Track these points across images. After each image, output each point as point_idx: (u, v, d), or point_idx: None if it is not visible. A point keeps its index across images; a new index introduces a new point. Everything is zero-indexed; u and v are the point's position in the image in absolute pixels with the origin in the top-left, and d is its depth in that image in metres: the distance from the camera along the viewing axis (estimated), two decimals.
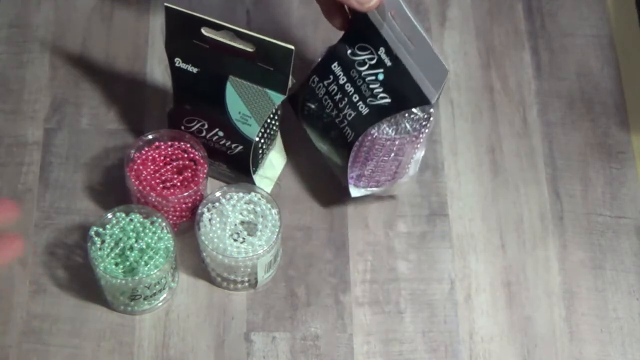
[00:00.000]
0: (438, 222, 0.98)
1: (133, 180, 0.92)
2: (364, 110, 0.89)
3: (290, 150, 1.00)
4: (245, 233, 0.91)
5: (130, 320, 0.92)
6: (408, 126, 0.90)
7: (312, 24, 1.06)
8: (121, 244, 0.89)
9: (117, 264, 0.89)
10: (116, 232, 0.90)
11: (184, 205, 0.93)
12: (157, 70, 1.04)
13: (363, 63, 0.90)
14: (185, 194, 0.92)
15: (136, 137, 0.98)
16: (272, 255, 0.92)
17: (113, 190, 0.98)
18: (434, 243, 0.97)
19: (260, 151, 0.95)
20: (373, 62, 0.89)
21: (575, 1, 1.10)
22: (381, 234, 0.97)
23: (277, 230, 0.91)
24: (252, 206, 0.92)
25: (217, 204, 0.92)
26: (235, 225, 0.92)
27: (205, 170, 0.93)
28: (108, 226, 0.90)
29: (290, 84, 0.88)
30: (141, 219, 0.90)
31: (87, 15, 1.07)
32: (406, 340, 0.93)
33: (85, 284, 0.93)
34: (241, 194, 0.93)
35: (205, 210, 0.92)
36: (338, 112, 0.91)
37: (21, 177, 0.98)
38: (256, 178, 0.97)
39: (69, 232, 0.96)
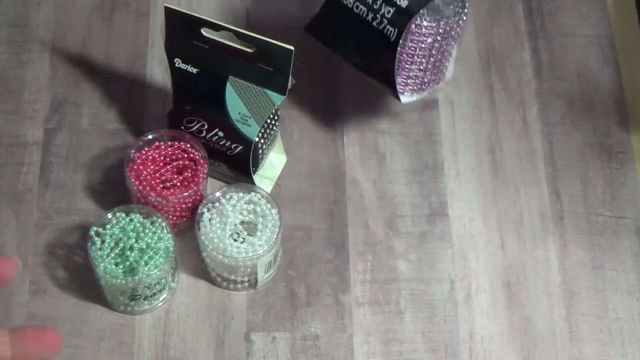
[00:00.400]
0: (438, 222, 0.98)
1: (133, 180, 0.92)
2: (403, 2, 0.88)
3: (290, 150, 1.00)
4: (245, 233, 0.91)
5: (130, 320, 0.92)
6: (449, 10, 0.89)
7: None
8: (121, 244, 0.89)
9: (117, 264, 0.89)
10: (116, 232, 0.90)
11: (184, 205, 0.93)
12: (157, 70, 1.04)
13: None
14: (185, 194, 0.92)
15: (136, 137, 0.98)
16: (272, 255, 0.92)
17: (113, 190, 0.98)
18: (434, 243, 0.97)
19: (260, 151, 0.95)
20: None
21: (575, 1, 1.10)
22: (381, 234, 0.97)
23: (277, 230, 0.91)
24: (252, 206, 0.93)
25: (217, 204, 0.92)
26: (235, 225, 0.92)
27: (205, 170, 0.93)
28: (108, 226, 0.90)
29: (290, 84, 0.88)
30: (141, 219, 0.90)
31: (87, 15, 1.07)
32: (406, 340, 0.93)
33: (85, 284, 0.93)
34: (241, 194, 0.93)
35: (205, 210, 0.92)
36: (374, 14, 0.89)
37: (21, 177, 0.98)
38: (256, 178, 0.97)
39: (69, 232, 0.96)
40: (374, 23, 0.90)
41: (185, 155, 0.94)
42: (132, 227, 0.90)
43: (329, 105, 1.03)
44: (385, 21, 0.89)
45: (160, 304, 0.93)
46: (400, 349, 0.92)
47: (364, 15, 0.90)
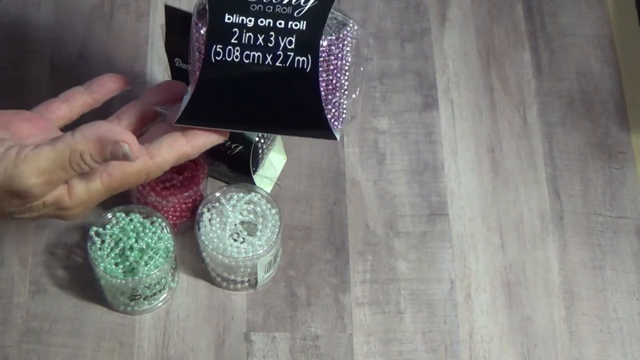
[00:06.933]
0: (438, 222, 0.98)
1: None
2: (302, 25, 0.74)
3: (290, 151, 1.00)
4: (245, 233, 0.91)
5: (130, 320, 0.92)
6: (342, 16, 0.78)
7: None
8: (121, 244, 0.89)
9: (117, 264, 0.89)
10: (116, 232, 0.90)
11: (184, 205, 0.93)
12: (157, 70, 1.04)
13: None
14: (185, 194, 0.92)
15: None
16: (272, 255, 0.92)
17: None
18: (434, 243, 0.97)
19: (260, 151, 0.95)
20: None
21: (575, 1, 1.10)
22: (381, 234, 0.97)
23: (277, 230, 0.91)
24: (252, 206, 0.93)
25: (217, 204, 0.92)
26: (235, 225, 0.92)
27: (205, 170, 0.93)
28: (108, 226, 0.90)
29: None
30: (141, 219, 0.90)
31: (87, 15, 1.07)
32: (406, 340, 0.93)
33: (85, 284, 0.93)
34: (241, 194, 0.93)
35: (205, 210, 0.92)
36: (273, 52, 0.75)
37: None
38: (256, 178, 0.97)
39: (69, 232, 0.96)
40: (277, 63, 0.75)
41: None
42: (132, 227, 0.90)
43: None
44: (290, 54, 0.75)
45: (160, 304, 0.93)
46: (400, 349, 0.92)
47: (260, 61, 0.75)
